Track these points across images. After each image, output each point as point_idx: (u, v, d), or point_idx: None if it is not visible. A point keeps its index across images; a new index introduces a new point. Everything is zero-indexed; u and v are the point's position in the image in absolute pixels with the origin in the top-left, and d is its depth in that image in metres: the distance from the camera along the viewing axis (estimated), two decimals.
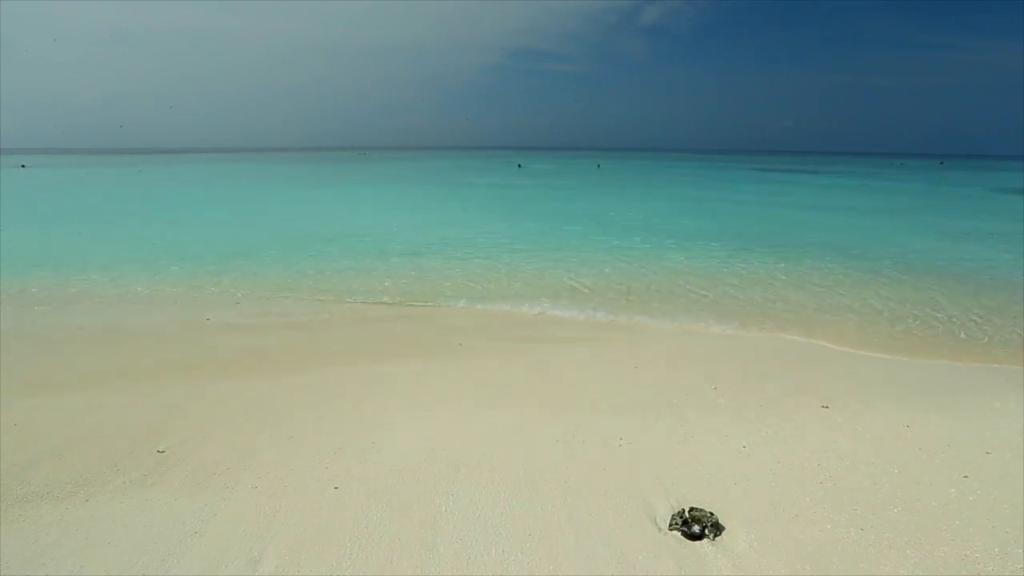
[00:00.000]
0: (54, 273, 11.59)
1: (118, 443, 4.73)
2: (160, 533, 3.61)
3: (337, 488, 4.10)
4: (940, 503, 4.00)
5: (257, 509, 3.85)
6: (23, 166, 62.23)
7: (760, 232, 18.59)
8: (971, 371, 6.92)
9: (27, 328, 8.20)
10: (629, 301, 9.96)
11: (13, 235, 16.57)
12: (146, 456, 4.54)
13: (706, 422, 5.20)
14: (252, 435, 4.89)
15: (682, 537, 3.58)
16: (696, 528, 3.60)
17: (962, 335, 8.37)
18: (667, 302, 9.90)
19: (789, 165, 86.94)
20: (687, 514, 3.73)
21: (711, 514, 3.71)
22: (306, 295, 10.21)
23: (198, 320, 8.69)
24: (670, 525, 3.68)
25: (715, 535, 3.59)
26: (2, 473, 4.28)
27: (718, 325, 8.68)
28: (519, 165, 73.26)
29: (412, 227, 18.74)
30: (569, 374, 6.48)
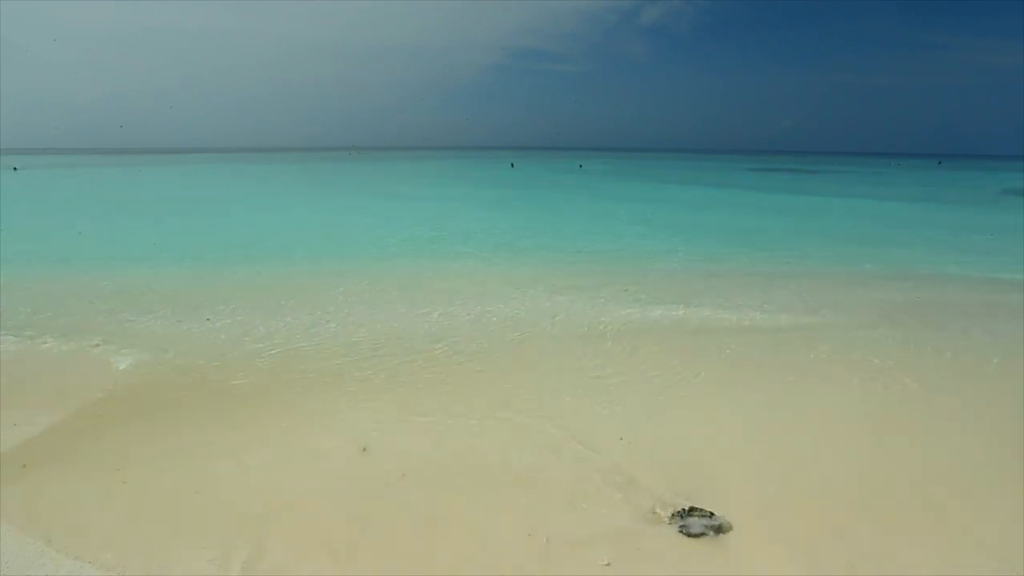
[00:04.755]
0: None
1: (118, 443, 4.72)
2: (159, 532, 3.60)
3: (337, 488, 4.10)
4: (940, 498, 4.02)
5: (257, 509, 3.85)
6: (15, 168, 60.91)
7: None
8: None
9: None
10: None
11: None
12: (146, 456, 4.53)
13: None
14: (252, 434, 4.88)
15: (681, 535, 3.59)
16: (695, 527, 3.61)
17: None
18: None
19: (783, 165, 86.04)
20: (686, 512, 3.74)
21: (711, 513, 3.71)
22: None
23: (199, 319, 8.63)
24: (669, 523, 3.69)
25: (715, 534, 3.59)
26: (2, 472, 4.27)
27: None
28: (512, 164, 76.42)
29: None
30: None
